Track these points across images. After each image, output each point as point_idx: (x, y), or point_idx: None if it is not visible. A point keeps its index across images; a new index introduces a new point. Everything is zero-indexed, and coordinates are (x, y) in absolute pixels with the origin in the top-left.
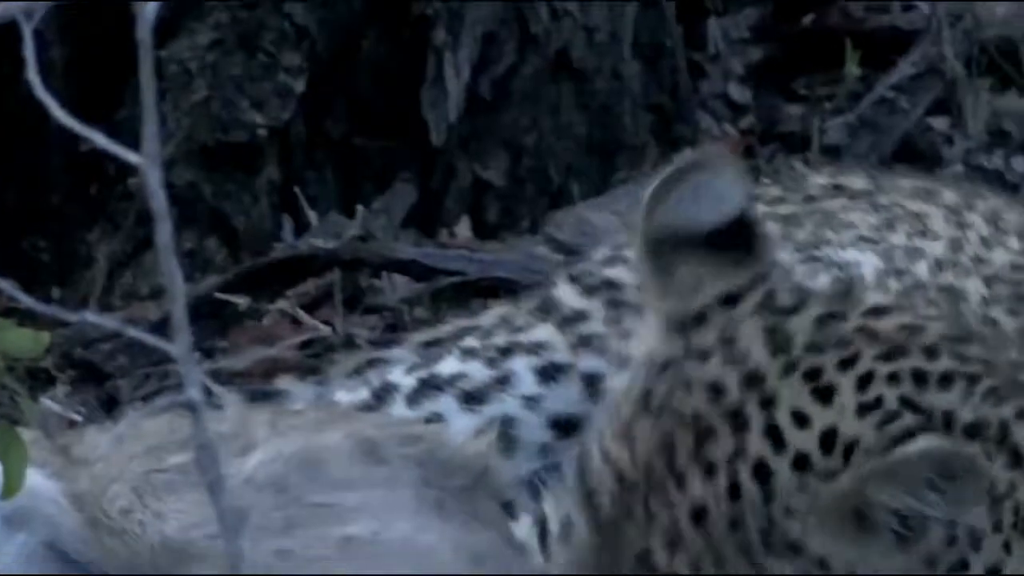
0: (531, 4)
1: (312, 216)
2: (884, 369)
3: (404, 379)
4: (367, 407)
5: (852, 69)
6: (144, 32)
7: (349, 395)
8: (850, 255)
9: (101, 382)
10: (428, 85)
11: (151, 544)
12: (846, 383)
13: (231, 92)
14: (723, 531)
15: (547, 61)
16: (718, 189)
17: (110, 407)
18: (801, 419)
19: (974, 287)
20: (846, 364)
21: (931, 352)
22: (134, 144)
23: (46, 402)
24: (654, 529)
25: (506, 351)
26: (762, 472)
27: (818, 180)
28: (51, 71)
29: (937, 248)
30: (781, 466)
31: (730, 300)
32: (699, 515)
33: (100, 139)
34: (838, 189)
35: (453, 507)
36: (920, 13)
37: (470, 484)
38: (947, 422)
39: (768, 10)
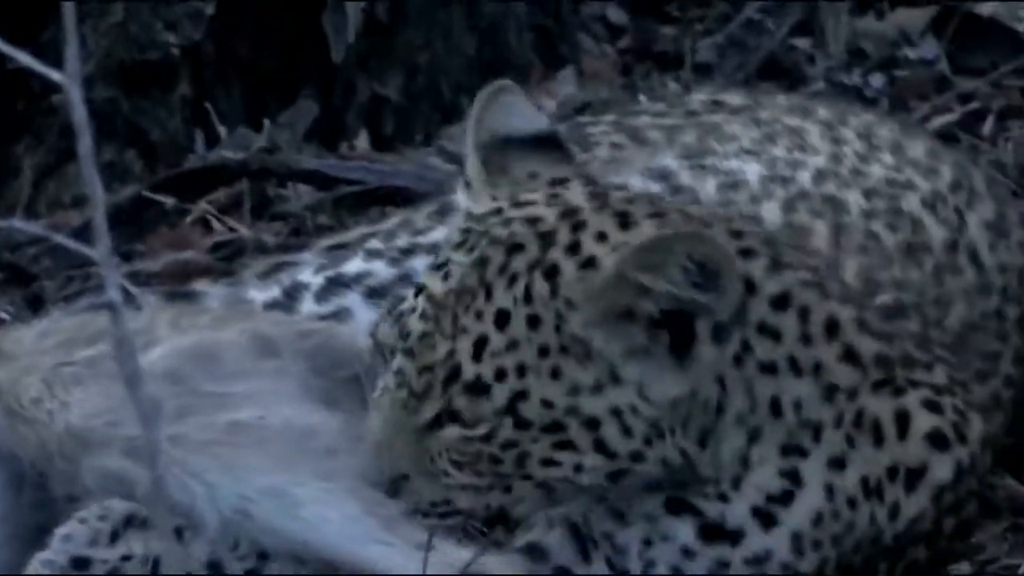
0: None
1: (222, 130)
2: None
3: (313, 278)
4: (278, 305)
5: None
6: None
7: (262, 294)
8: (734, 164)
9: (28, 283)
10: (329, 8)
11: (58, 432)
12: (648, 222)
13: (146, 14)
14: (523, 332)
15: None
16: (525, 108)
17: (36, 307)
18: (602, 236)
19: (854, 199)
20: (653, 215)
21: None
22: (57, 63)
23: None
24: (461, 339)
25: (407, 251)
26: (552, 273)
27: (698, 97)
28: None
29: (818, 160)
30: (569, 267)
31: (559, 182)
32: (502, 319)
33: (25, 58)
34: (717, 104)
35: (340, 395)
36: None
37: (358, 374)
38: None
39: None
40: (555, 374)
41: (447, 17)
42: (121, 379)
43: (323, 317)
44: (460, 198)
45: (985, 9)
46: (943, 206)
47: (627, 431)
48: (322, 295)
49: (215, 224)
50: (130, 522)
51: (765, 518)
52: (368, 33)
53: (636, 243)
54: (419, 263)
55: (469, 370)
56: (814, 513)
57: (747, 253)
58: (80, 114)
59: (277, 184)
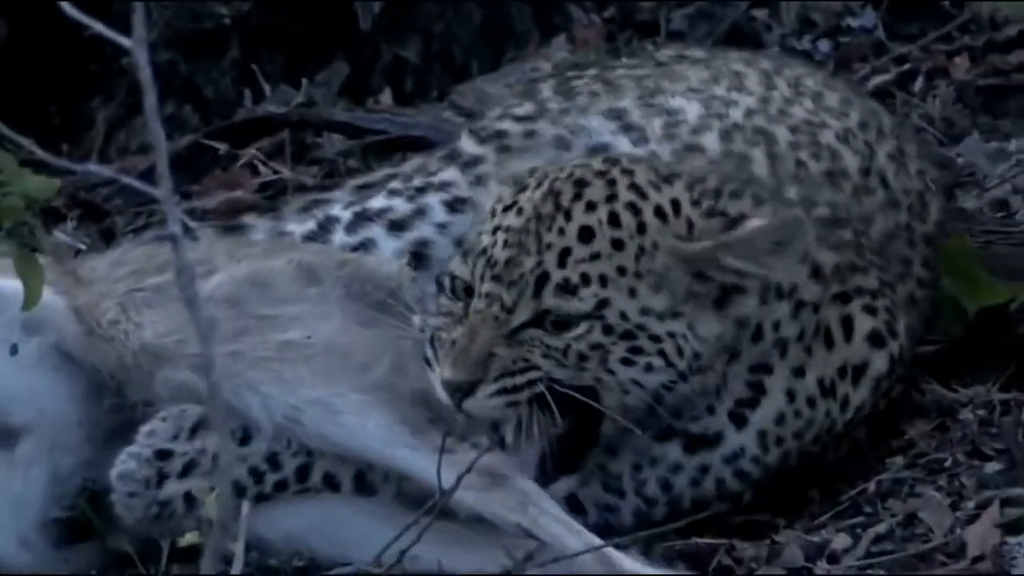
0: None
1: (267, 88)
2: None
3: (343, 213)
4: (313, 236)
5: None
6: None
7: (300, 227)
8: (677, 102)
9: (101, 219)
10: None
11: (133, 349)
12: (683, 180)
13: None
14: (606, 248)
15: None
16: None
17: (108, 239)
18: (655, 186)
19: (782, 133)
20: (692, 186)
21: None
22: (125, 31)
23: (58, 234)
24: (547, 252)
25: (422, 190)
26: (634, 209)
27: (667, 52)
28: None
29: (750, 100)
30: (647, 208)
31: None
32: (585, 234)
33: (99, 27)
34: (682, 57)
35: (372, 317)
36: None
37: (385, 297)
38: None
39: None
40: (632, 293)
41: None
42: (183, 302)
43: (352, 247)
44: (465, 143)
45: None
46: (854, 140)
47: (680, 352)
48: (351, 227)
49: (261, 168)
50: (203, 423)
51: (737, 420)
52: (391, 5)
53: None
54: (431, 199)
55: (557, 274)
56: (777, 414)
57: (735, 195)
58: (145, 74)
59: (314, 134)
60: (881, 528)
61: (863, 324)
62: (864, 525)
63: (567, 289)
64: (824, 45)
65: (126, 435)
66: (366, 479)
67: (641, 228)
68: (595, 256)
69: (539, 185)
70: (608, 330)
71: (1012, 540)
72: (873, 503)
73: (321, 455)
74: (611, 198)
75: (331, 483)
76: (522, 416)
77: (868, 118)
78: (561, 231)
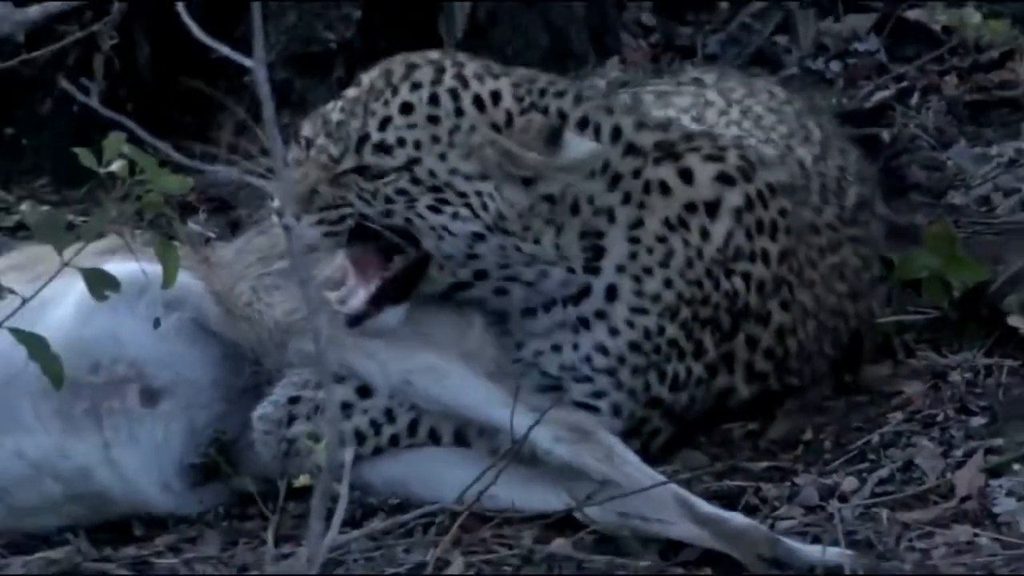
0: None
1: None
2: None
3: None
4: None
5: (723, 5)
6: None
7: None
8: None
9: (228, 211)
10: (443, 14)
11: (268, 326)
12: (511, 77)
13: (312, 18)
14: (422, 121)
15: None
16: None
17: (234, 229)
18: (479, 78)
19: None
20: (518, 84)
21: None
22: (247, 53)
23: (192, 225)
24: (371, 118)
25: None
26: (454, 94)
27: (689, 75)
28: (190, 4)
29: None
30: (466, 96)
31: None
32: (406, 108)
33: (225, 49)
34: (698, 80)
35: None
36: None
37: None
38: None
39: None
40: (442, 157)
41: (527, 19)
42: (301, 286)
43: None
44: None
45: (911, 14)
46: (775, 143)
47: (485, 208)
48: None
49: None
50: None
51: (589, 271)
52: (470, 32)
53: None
54: None
55: (376, 136)
56: (627, 254)
57: (559, 95)
58: (264, 90)
59: None
60: (883, 472)
61: (706, 170)
62: (869, 470)
63: (383, 148)
64: (835, 66)
65: (259, 394)
66: (463, 434)
67: (459, 112)
68: (411, 126)
69: (376, 70)
70: (415, 182)
71: (994, 482)
72: (876, 452)
73: (428, 413)
74: (435, 82)
75: (434, 437)
76: (354, 256)
77: (796, 131)
78: (386, 103)
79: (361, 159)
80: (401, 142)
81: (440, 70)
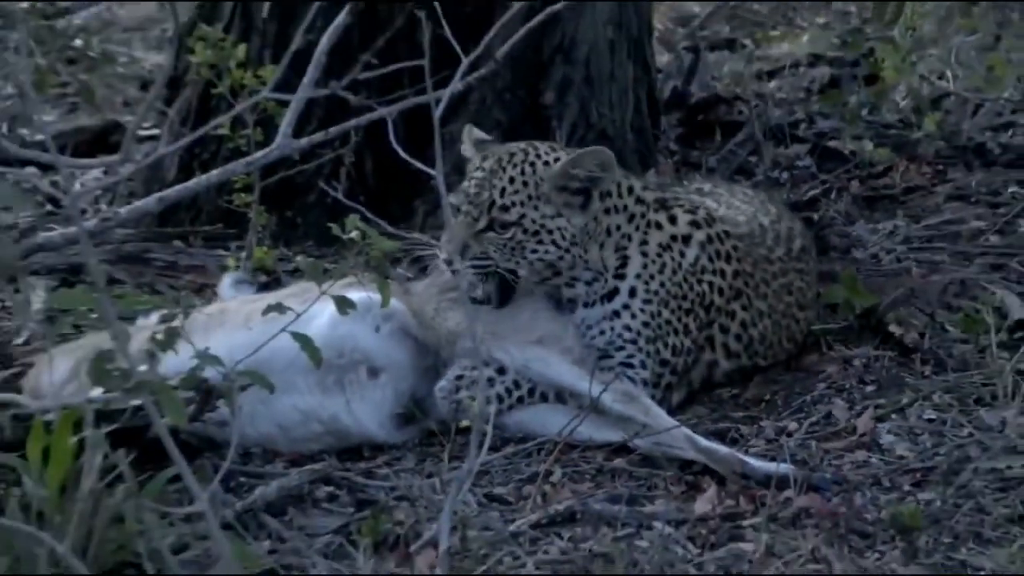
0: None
1: None
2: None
3: None
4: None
5: (719, 137)
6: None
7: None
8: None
9: (420, 262)
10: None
11: (444, 332)
12: (565, 152)
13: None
14: (521, 187)
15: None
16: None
17: (423, 271)
18: (547, 153)
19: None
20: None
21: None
22: (432, 164)
23: (398, 270)
24: (494, 189)
25: None
26: (533, 165)
27: (694, 185)
28: (397, 133)
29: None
30: (539, 163)
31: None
32: (512, 180)
33: (417, 163)
34: (700, 188)
35: (555, 306)
36: (744, 115)
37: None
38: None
39: (684, 114)
40: (535, 208)
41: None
42: (463, 308)
43: None
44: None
45: (831, 144)
46: (752, 216)
47: (563, 238)
48: None
49: None
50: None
51: (619, 277)
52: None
53: (568, 157)
54: None
55: (499, 201)
56: (641, 264)
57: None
58: (441, 186)
59: None
60: (813, 419)
61: (684, 217)
62: (804, 418)
63: (504, 208)
64: (784, 175)
65: (438, 373)
66: (561, 396)
67: (535, 172)
68: (515, 191)
69: (492, 156)
70: (524, 231)
71: (880, 425)
72: (809, 407)
73: (539, 383)
74: (523, 160)
75: (544, 398)
76: (486, 281)
77: (759, 209)
78: (500, 178)
79: (491, 218)
80: (513, 204)
81: (526, 151)
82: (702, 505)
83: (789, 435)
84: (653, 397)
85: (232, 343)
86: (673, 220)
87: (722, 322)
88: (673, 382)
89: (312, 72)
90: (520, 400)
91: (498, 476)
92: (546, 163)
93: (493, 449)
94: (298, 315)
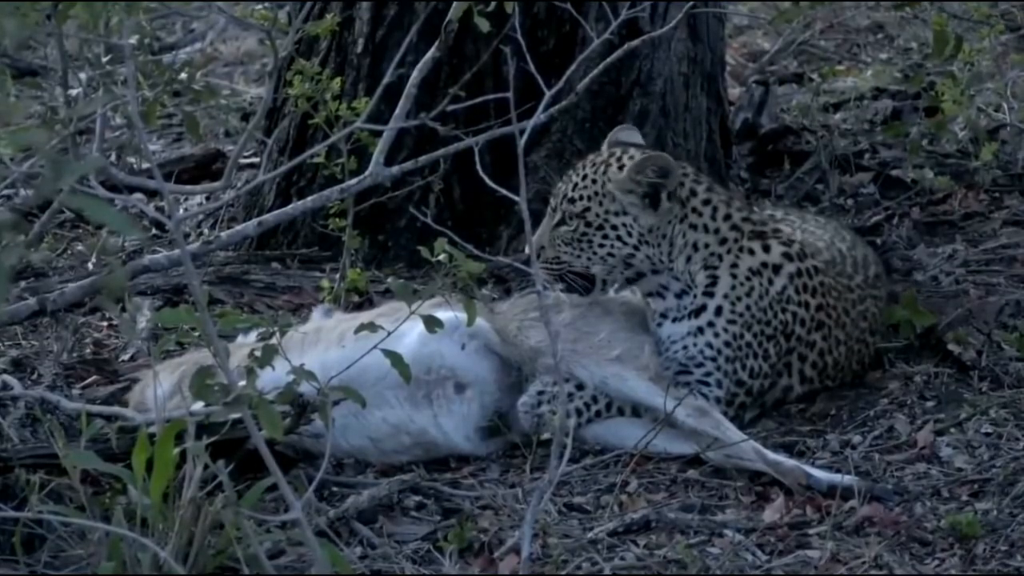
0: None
1: None
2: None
3: None
4: None
5: (787, 166)
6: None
7: None
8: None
9: (504, 283)
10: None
11: (526, 349)
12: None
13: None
14: (589, 184)
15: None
16: (631, 134)
17: (507, 293)
18: (619, 158)
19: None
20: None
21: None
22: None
23: (483, 291)
24: (567, 185)
25: None
26: (605, 168)
27: (768, 212)
28: (483, 161)
29: (799, 229)
30: (610, 168)
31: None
32: (582, 179)
33: (502, 190)
34: (772, 214)
35: (634, 325)
36: (811, 145)
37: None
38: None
39: (754, 144)
40: (600, 203)
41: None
42: (545, 327)
43: None
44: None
45: (894, 172)
46: (829, 241)
47: (629, 234)
48: None
49: None
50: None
51: (708, 295)
52: None
53: (633, 161)
54: None
55: (569, 194)
56: (729, 285)
57: (695, 179)
58: (524, 212)
59: None
60: (876, 433)
61: (778, 248)
62: (867, 432)
63: (571, 201)
64: (850, 202)
65: (521, 388)
66: (637, 410)
67: (605, 173)
68: (583, 188)
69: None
70: (588, 224)
71: (939, 439)
72: (872, 421)
73: (616, 399)
74: (594, 161)
75: (621, 412)
76: (562, 280)
77: (834, 235)
78: (575, 174)
79: (562, 209)
80: (580, 197)
81: (600, 154)
82: (770, 514)
83: (853, 448)
84: (726, 415)
85: (326, 360)
86: (767, 249)
87: (801, 351)
88: (747, 403)
89: (403, 104)
90: (598, 414)
91: (577, 486)
92: (620, 166)
93: (573, 461)
94: (388, 333)
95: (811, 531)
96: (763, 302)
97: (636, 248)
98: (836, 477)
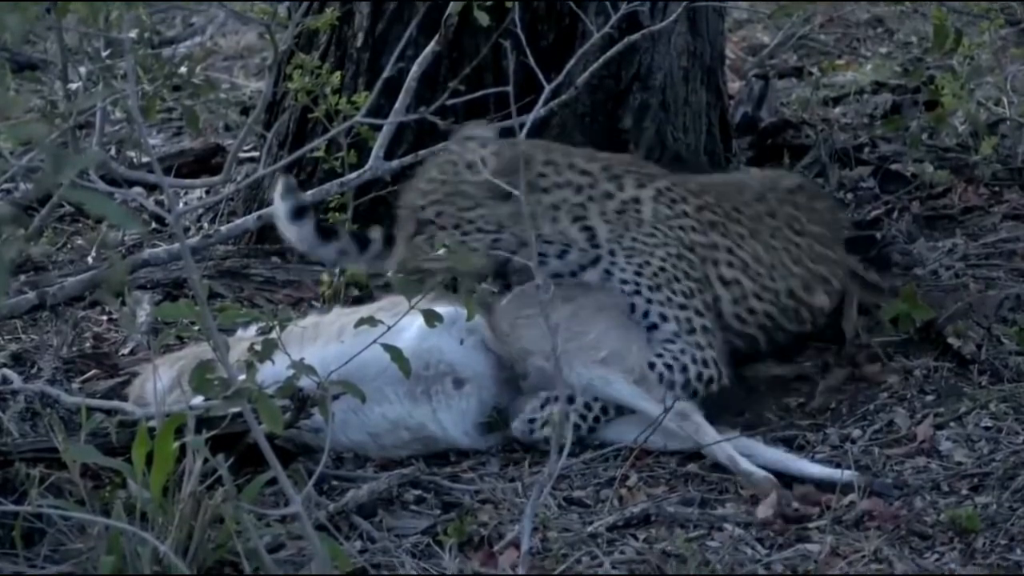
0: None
1: None
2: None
3: None
4: None
5: (787, 160)
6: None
7: None
8: None
9: (506, 278)
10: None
11: (516, 348)
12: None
13: None
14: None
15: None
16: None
17: (508, 288)
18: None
19: None
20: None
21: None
22: None
23: (482, 286)
24: None
25: None
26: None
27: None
28: None
29: None
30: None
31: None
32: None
33: (502, 184)
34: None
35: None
36: (811, 139)
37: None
38: None
39: (754, 138)
40: (453, 203)
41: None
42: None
43: None
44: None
45: (894, 166)
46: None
47: (488, 223)
48: None
49: None
50: (547, 401)
51: (592, 244)
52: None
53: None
54: None
55: (418, 203)
56: (608, 232)
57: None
58: (524, 210)
59: None
60: (876, 426)
61: (630, 181)
62: (866, 426)
63: (422, 208)
64: (849, 196)
65: (516, 386)
66: (623, 412)
67: (457, 175)
68: (432, 192)
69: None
70: (442, 228)
71: (939, 433)
72: (872, 415)
73: (606, 401)
74: (440, 167)
75: (620, 411)
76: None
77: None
78: (420, 185)
79: (414, 219)
80: (431, 202)
81: (442, 156)
82: (764, 509)
83: (853, 442)
84: (699, 346)
85: (326, 354)
86: (621, 188)
87: (708, 255)
88: (707, 327)
89: (403, 98)
90: (596, 421)
91: (577, 480)
92: (468, 165)
93: (572, 455)
94: (388, 328)
95: (811, 525)
96: (645, 228)
97: (499, 233)
98: (836, 472)
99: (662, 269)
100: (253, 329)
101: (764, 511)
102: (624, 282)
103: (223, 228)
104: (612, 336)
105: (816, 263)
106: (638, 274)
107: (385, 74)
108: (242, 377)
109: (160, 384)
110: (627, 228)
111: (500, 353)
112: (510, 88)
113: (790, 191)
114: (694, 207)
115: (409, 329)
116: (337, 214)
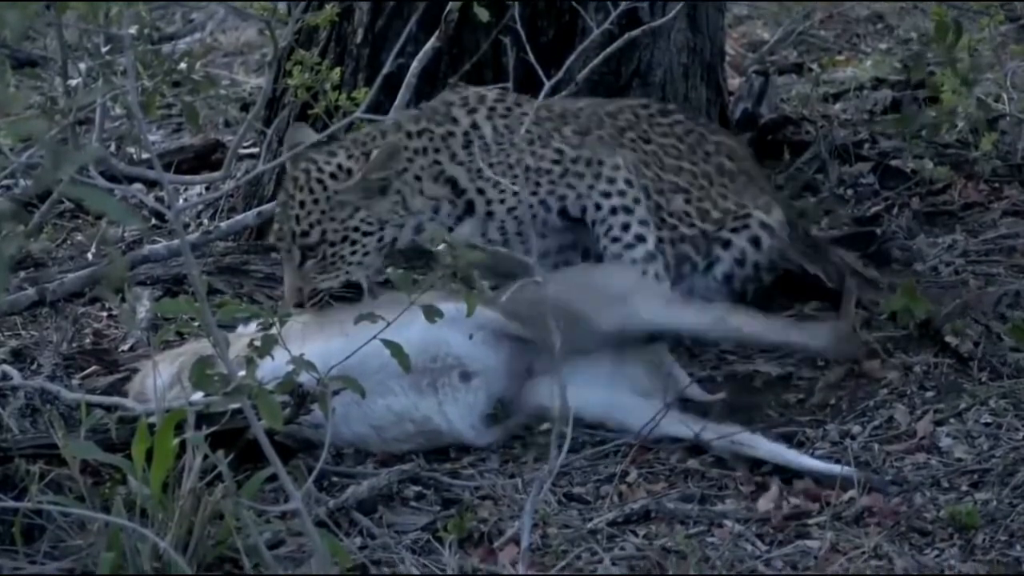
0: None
1: None
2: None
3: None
4: None
5: (787, 156)
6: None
7: None
8: None
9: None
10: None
11: (567, 317)
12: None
13: None
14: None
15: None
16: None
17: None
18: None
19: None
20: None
21: None
22: None
23: (483, 282)
24: None
25: None
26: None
27: None
28: None
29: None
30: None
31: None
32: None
33: (502, 180)
34: None
35: None
36: (811, 135)
37: None
38: None
39: (754, 134)
40: (332, 219)
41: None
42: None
43: None
44: None
45: (893, 163)
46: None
47: (371, 224)
48: None
49: None
50: None
51: (457, 192)
52: None
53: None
54: None
55: (297, 229)
56: (466, 174)
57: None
58: (524, 205)
59: None
60: (876, 422)
61: (461, 112)
62: (866, 423)
63: (304, 235)
64: (849, 192)
65: (531, 375)
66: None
67: (324, 189)
68: (307, 215)
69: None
70: (332, 244)
71: (939, 429)
72: (872, 412)
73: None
74: (302, 188)
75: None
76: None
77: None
78: (291, 211)
79: (297, 247)
80: (310, 225)
81: (298, 174)
82: (767, 503)
83: (853, 438)
84: (625, 226)
85: (328, 349)
86: (455, 121)
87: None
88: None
89: (403, 94)
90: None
91: (577, 476)
92: (333, 175)
93: (572, 451)
94: (388, 323)
95: (810, 521)
96: (499, 156)
97: (382, 229)
98: (836, 467)
99: (542, 182)
100: (253, 325)
101: (767, 504)
102: (511, 210)
103: (223, 224)
104: (616, 280)
105: (665, 172)
106: (513, 197)
107: (385, 70)
108: (242, 373)
109: (160, 380)
110: (488, 167)
111: (520, 335)
112: (510, 84)
113: (634, 107)
114: (517, 114)
115: (412, 326)
116: None
